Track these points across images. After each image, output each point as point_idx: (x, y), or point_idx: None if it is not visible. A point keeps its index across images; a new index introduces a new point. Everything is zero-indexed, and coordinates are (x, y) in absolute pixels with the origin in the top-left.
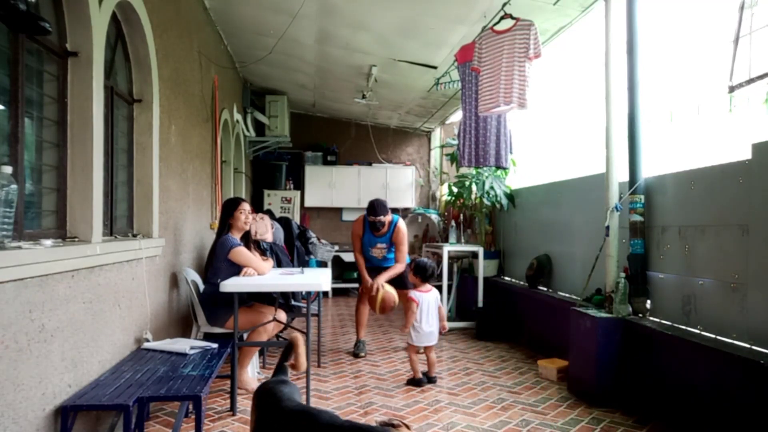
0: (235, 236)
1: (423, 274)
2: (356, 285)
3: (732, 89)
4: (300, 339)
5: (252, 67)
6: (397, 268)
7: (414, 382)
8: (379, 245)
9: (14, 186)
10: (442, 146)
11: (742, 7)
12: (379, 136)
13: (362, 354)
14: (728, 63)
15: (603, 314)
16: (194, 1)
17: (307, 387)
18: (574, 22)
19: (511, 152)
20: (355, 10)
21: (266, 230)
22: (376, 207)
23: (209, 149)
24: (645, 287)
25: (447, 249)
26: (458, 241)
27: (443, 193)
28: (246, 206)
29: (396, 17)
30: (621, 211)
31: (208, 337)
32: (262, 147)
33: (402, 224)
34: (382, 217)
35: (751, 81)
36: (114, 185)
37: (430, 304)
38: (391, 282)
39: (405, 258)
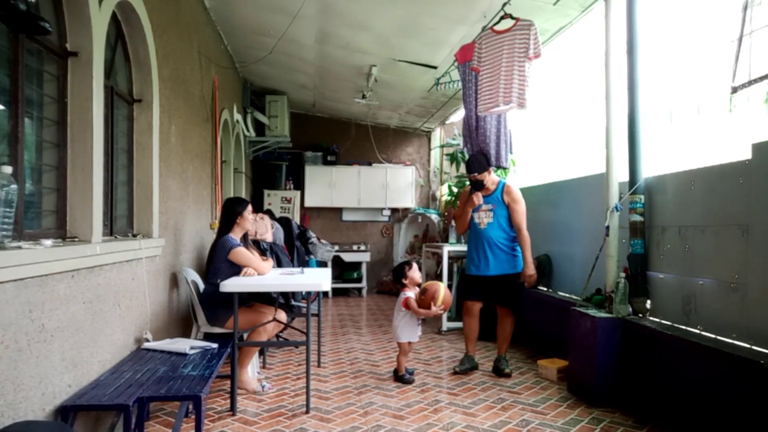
0: (236, 236)
1: (394, 276)
2: (356, 285)
3: (735, 90)
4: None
5: (252, 67)
6: (527, 241)
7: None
8: (484, 206)
9: (14, 186)
10: (442, 146)
11: (745, 8)
12: (379, 136)
13: (457, 370)
14: (731, 63)
15: (603, 314)
16: (194, 1)
17: (307, 387)
18: (574, 22)
19: (511, 152)
20: (355, 10)
21: (266, 230)
22: (470, 163)
23: (209, 149)
24: (645, 287)
25: (447, 249)
26: (458, 241)
27: (443, 193)
28: (251, 207)
29: (396, 17)
30: (621, 211)
31: (208, 337)
32: (262, 147)
33: (512, 184)
34: (476, 174)
35: (753, 82)
36: (114, 185)
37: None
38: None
39: (523, 224)
